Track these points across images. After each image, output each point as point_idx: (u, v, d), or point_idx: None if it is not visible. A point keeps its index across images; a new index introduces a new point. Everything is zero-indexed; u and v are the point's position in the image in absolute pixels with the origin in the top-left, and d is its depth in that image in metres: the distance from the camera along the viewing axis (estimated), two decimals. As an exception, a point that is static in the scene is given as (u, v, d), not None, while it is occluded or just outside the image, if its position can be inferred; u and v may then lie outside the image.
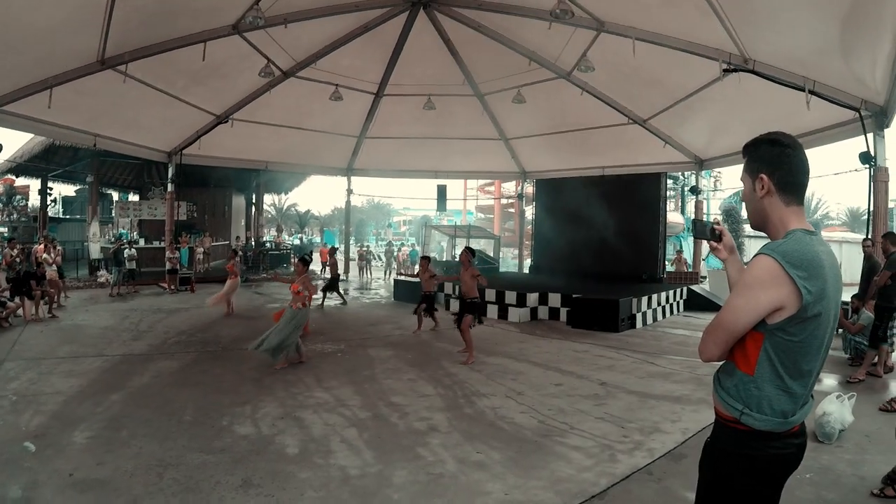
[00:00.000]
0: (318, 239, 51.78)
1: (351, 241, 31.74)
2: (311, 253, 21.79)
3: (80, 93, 14.70)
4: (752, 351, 2.39)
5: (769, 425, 2.35)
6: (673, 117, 17.72)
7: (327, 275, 22.53)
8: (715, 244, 2.79)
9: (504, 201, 56.39)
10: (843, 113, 12.70)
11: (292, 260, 30.81)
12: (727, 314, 2.39)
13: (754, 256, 2.35)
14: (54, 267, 16.63)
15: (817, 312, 2.28)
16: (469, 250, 11.36)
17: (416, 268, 15.73)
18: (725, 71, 13.05)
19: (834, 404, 6.36)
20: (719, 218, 30.57)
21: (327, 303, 18.01)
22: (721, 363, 2.57)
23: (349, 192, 27.22)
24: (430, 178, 27.15)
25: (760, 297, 2.28)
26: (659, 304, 16.28)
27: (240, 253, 23.99)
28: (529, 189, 27.43)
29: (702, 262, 22.56)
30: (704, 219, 2.72)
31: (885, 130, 12.52)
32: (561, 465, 5.73)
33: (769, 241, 2.46)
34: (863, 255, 11.21)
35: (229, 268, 16.13)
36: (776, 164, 2.48)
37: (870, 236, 12.04)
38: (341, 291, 19.02)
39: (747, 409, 2.37)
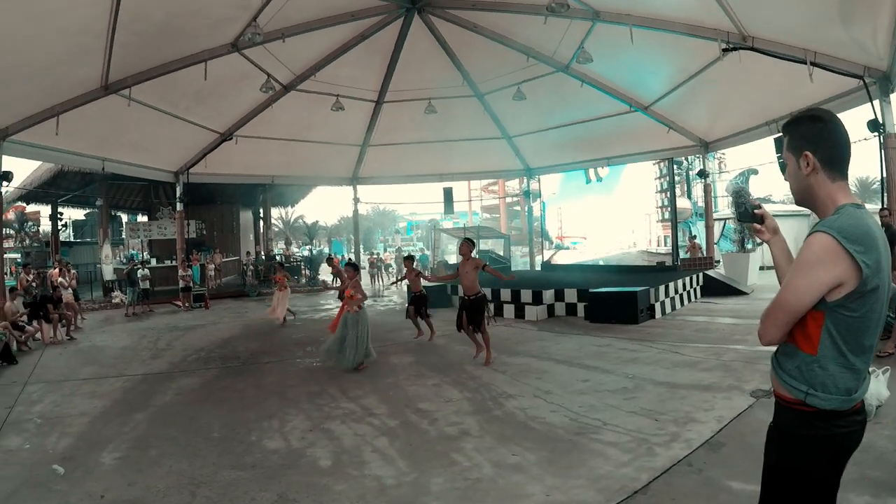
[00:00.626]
0: (326, 249, 51.75)
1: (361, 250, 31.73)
2: (331, 259, 21.62)
3: (86, 118, 14.85)
4: (813, 330, 2.36)
5: (834, 404, 2.34)
6: (675, 101, 17.69)
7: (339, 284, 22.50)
8: (758, 226, 2.77)
9: (508, 200, 56.35)
10: (846, 82, 12.60)
11: (303, 272, 30.83)
12: (788, 295, 2.35)
13: (809, 234, 2.33)
14: (70, 290, 16.71)
15: (875, 286, 2.27)
16: (468, 241, 10.98)
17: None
18: (725, 50, 13.01)
19: (869, 380, 6.28)
20: (728, 199, 30.46)
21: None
22: (779, 346, 2.53)
23: (356, 201, 27.22)
24: (436, 181, 27.21)
25: (821, 275, 2.26)
26: (676, 292, 16.14)
27: (284, 264, 24.07)
28: (535, 185, 27.36)
29: (714, 247, 22.47)
30: (743, 202, 2.70)
31: (892, 96, 12.39)
32: (599, 462, 5.63)
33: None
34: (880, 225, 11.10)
35: (278, 279, 16.36)
36: (819, 140, 2.45)
37: (886, 206, 11.89)
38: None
39: (812, 389, 2.35)
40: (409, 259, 14.11)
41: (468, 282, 10.42)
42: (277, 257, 33.71)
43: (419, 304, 12.94)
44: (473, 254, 10.96)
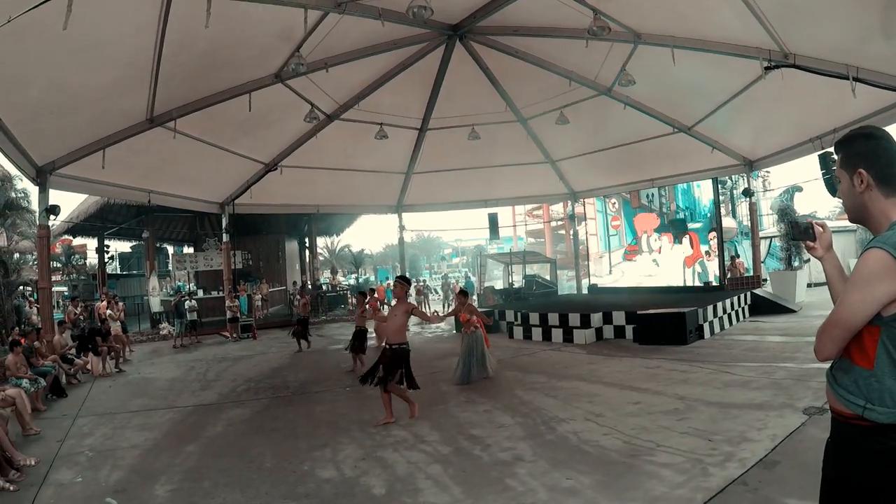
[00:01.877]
0: (372, 278, 51.98)
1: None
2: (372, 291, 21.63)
3: (132, 151, 15.12)
4: (869, 345, 2.36)
5: (893, 418, 2.31)
6: (718, 121, 17.49)
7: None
8: (811, 244, 2.74)
9: (553, 223, 56.18)
10: (890, 96, 12.43)
11: (349, 300, 30.95)
12: (844, 310, 2.35)
13: (864, 250, 2.33)
14: (118, 322, 16.93)
15: None
16: (402, 280, 9.52)
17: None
18: (767, 69, 12.87)
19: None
20: (773, 218, 30.11)
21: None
22: (834, 361, 2.53)
23: (401, 228, 27.27)
24: (480, 207, 27.19)
25: (877, 291, 2.25)
26: (724, 311, 15.98)
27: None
28: (580, 209, 27.27)
29: (761, 265, 22.20)
30: (796, 220, 2.71)
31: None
32: (653, 484, 5.58)
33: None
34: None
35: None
36: (873, 157, 2.44)
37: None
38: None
39: (870, 403, 2.35)
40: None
41: (394, 327, 8.85)
42: (324, 286, 33.91)
43: (360, 340, 13.79)
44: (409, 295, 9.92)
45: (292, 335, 17.28)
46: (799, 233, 2.78)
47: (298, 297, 24.40)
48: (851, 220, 2.63)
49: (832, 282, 2.64)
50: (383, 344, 9.41)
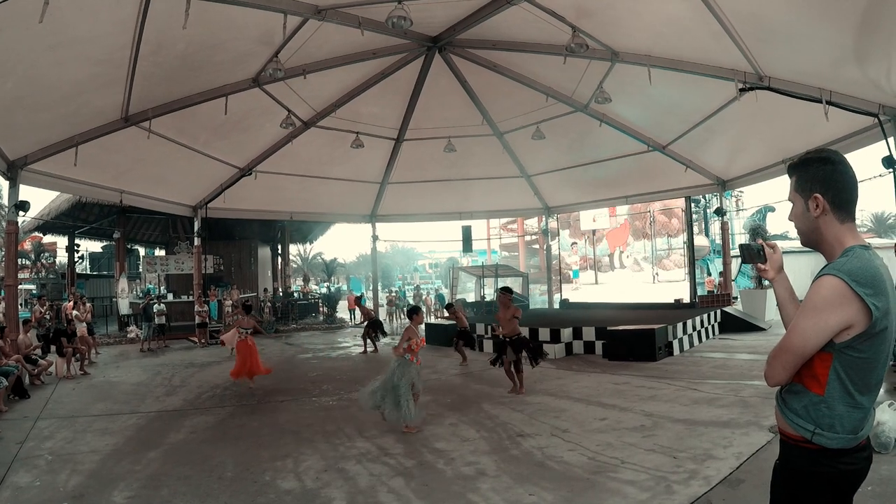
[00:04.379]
0: (344, 287, 51.81)
1: (379, 287, 31.71)
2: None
3: (106, 150, 14.99)
4: (821, 371, 2.37)
5: (841, 443, 2.35)
6: (693, 140, 17.71)
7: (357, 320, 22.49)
8: (762, 266, 2.76)
9: (528, 238, 56.37)
10: (862, 120, 12.65)
11: (321, 309, 30.83)
12: (796, 337, 2.37)
13: (817, 277, 2.34)
14: (84, 324, 16.71)
15: (884, 327, 2.29)
16: (505, 290, 11.43)
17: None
18: (742, 90, 13.04)
19: (887, 413, 6.28)
20: (746, 237, 30.41)
21: (370, 346, 17.76)
22: (785, 384, 2.54)
23: (374, 238, 27.23)
24: (455, 219, 27.31)
25: (829, 319, 2.27)
26: (694, 328, 16.13)
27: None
28: (553, 224, 27.36)
29: (731, 283, 22.39)
30: (748, 242, 2.71)
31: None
32: (616, 501, 5.58)
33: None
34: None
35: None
36: (829, 182, 2.46)
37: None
38: (377, 335, 18.32)
39: (819, 429, 2.37)
40: (451, 307, 14.68)
41: (510, 326, 10.87)
42: (296, 294, 33.72)
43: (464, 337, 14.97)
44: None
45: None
46: (750, 255, 2.79)
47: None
48: (804, 244, 2.64)
49: (783, 304, 2.67)
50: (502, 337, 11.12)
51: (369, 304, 23.13)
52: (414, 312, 9.71)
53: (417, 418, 8.56)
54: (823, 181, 2.45)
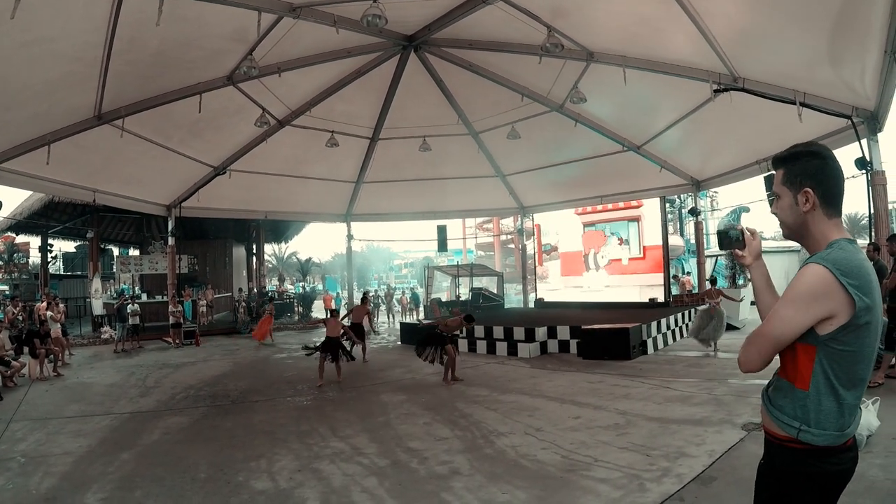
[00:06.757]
0: (320, 286, 51.65)
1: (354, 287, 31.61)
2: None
3: (79, 148, 14.83)
4: (805, 365, 2.34)
5: (827, 440, 2.32)
6: (668, 141, 17.80)
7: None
8: (740, 252, 2.73)
9: (503, 237, 56.47)
10: (835, 122, 12.75)
11: (296, 309, 30.74)
12: (777, 323, 2.32)
13: (803, 264, 2.32)
14: (58, 324, 16.53)
15: (868, 320, 2.25)
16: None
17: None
18: (716, 91, 13.12)
19: (861, 411, 6.29)
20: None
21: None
22: (770, 381, 2.54)
23: (349, 237, 27.16)
24: (430, 219, 27.32)
25: (813, 307, 2.24)
26: (668, 328, 16.26)
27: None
28: (528, 223, 27.42)
29: (706, 283, 22.56)
30: (725, 229, 2.67)
31: (879, 135, 12.51)
32: (589, 499, 5.59)
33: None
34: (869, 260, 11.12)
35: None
36: (820, 177, 2.43)
37: (874, 240, 12.01)
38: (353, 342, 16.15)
39: (805, 426, 2.33)
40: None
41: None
42: (270, 294, 33.57)
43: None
44: None
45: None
46: (728, 242, 2.75)
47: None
48: (787, 237, 2.62)
49: (759, 291, 2.63)
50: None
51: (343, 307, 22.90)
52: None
53: None
54: (814, 175, 2.43)
